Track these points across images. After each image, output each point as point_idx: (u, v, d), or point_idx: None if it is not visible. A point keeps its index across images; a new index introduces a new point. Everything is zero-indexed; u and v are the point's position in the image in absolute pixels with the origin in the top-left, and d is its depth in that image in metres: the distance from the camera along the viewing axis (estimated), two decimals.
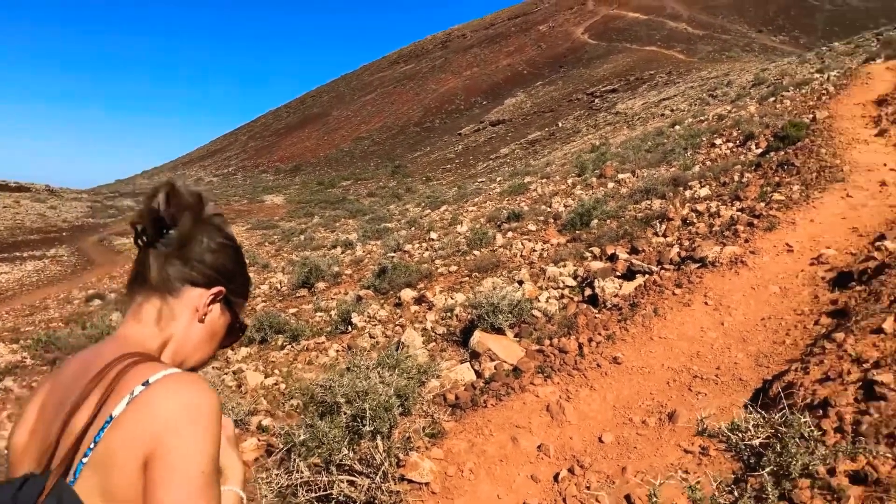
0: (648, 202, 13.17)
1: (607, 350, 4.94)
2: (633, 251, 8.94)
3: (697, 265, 6.86)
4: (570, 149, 42.96)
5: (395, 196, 45.73)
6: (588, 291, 7.59)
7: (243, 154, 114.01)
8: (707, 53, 69.90)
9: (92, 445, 1.18)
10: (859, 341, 3.68)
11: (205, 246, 1.43)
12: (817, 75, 28.06)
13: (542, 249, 11.86)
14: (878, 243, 5.99)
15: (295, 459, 3.90)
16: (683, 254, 7.51)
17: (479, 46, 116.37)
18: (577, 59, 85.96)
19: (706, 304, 5.82)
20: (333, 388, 4.17)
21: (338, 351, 8.54)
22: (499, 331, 7.02)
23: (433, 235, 18.15)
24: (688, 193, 12.74)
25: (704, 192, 12.27)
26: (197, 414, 1.20)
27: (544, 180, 26.79)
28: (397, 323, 8.88)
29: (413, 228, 22.09)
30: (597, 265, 8.40)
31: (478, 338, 4.96)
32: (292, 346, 9.18)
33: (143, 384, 1.21)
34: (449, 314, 8.40)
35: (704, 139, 21.14)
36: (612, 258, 8.90)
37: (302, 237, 28.97)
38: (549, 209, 18.08)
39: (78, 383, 1.26)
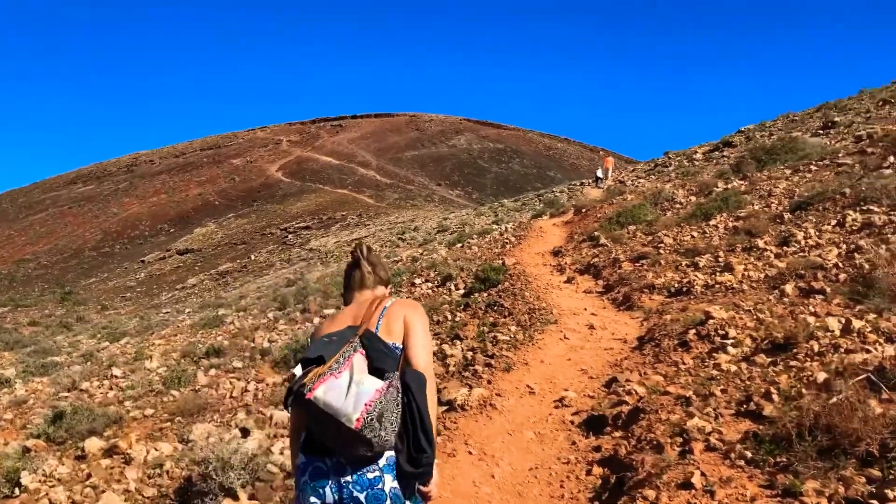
0: None
1: None
2: None
3: (445, 408, 6.50)
4: (265, 282, 41.91)
5: (64, 326, 40.37)
6: None
7: None
8: (394, 200, 74.62)
9: (379, 318, 2.67)
10: (673, 499, 3.47)
11: (381, 267, 3.04)
12: (495, 226, 30.89)
13: (257, 390, 10.77)
14: (625, 387, 6.14)
15: None
16: None
17: (169, 173, 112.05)
18: (271, 194, 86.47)
19: (470, 453, 5.40)
20: None
21: None
22: (230, 493, 5.89)
23: (116, 372, 15.82)
24: None
25: None
26: (419, 308, 2.84)
27: (241, 313, 25.38)
28: (87, 483, 7.16)
29: (90, 363, 19.21)
30: None
31: None
32: None
33: (392, 300, 2.78)
34: (158, 470, 6.97)
35: (405, 278, 21.75)
36: None
37: None
38: (252, 344, 16.92)
39: (361, 308, 2.75)
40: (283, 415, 7.84)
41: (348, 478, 2.34)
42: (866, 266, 7.65)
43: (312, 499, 2.39)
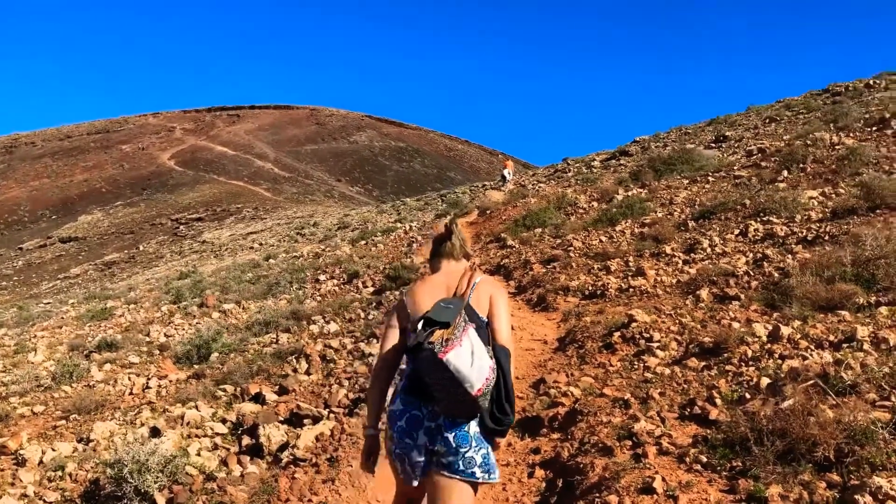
0: (273, 336, 12.36)
1: None
2: (283, 391, 8.01)
3: None
4: (155, 274, 40.06)
5: None
6: (247, 440, 6.41)
7: None
8: (292, 194, 73.10)
9: (470, 291, 3.00)
10: None
11: (466, 242, 3.42)
12: (398, 224, 30.70)
13: (160, 387, 10.17)
14: (555, 388, 6.09)
15: None
16: (353, 395, 6.87)
17: (52, 157, 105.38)
18: (163, 183, 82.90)
19: None
20: None
21: None
22: (146, 497, 5.45)
23: None
24: (314, 328, 12.28)
25: (333, 327, 11.92)
26: (501, 287, 3.41)
27: (132, 306, 24.08)
28: None
29: None
30: (250, 407, 7.26)
31: None
32: None
33: (480, 277, 3.11)
34: (59, 472, 6.40)
35: (308, 274, 21.22)
36: (260, 399, 7.84)
37: None
38: (148, 338, 16.05)
39: (452, 279, 3.12)
40: (195, 414, 7.40)
41: (442, 421, 2.80)
42: (776, 274, 7.97)
43: (407, 440, 2.85)
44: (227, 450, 6.37)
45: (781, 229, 10.10)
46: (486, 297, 3.03)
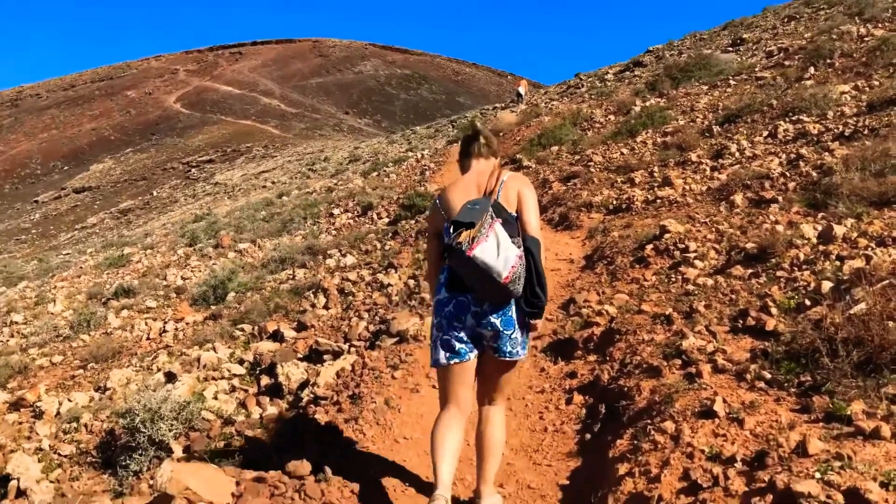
0: (290, 272, 12.02)
1: (354, 466, 3.63)
2: (301, 327, 7.68)
3: (396, 340, 5.92)
4: (170, 218, 39.93)
5: None
6: (266, 380, 6.10)
7: None
8: (301, 130, 72.17)
9: (499, 188, 3.20)
10: (697, 430, 3.02)
11: (494, 140, 3.57)
12: (410, 154, 30.05)
13: (177, 330, 9.91)
14: (586, 307, 5.69)
15: None
16: (373, 328, 6.52)
17: (58, 108, 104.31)
18: (171, 127, 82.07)
19: (434, 387, 4.85)
20: None
21: None
22: (161, 446, 5.18)
23: (17, 318, 14.52)
24: (331, 262, 11.92)
25: (350, 260, 11.55)
26: (529, 182, 3.37)
27: (148, 251, 23.94)
28: None
29: None
30: (268, 346, 6.93)
31: (169, 474, 3.24)
32: None
33: (507, 174, 3.31)
34: (74, 424, 6.15)
35: (322, 209, 20.82)
36: (278, 337, 7.52)
37: None
38: (165, 282, 15.83)
39: (481, 178, 3.31)
40: (211, 356, 7.10)
41: (486, 307, 3.07)
42: (814, 174, 7.43)
43: (455, 323, 3.14)
44: (246, 391, 6.07)
45: (814, 127, 9.49)
46: (514, 193, 3.24)
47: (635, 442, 3.25)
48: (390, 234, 12.83)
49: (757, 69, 16.11)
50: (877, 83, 10.85)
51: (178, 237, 25.30)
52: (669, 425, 3.14)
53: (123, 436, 5.40)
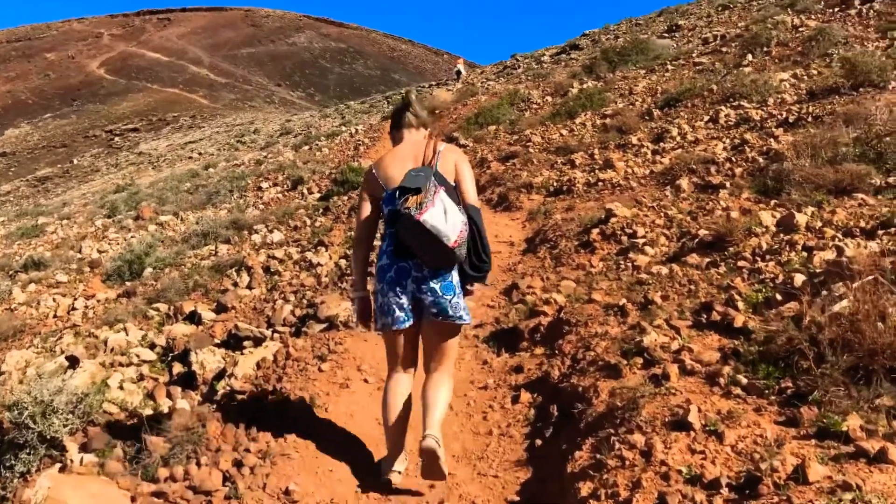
0: (212, 248, 11.26)
1: (272, 478, 3.07)
2: (221, 308, 7.03)
3: (325, 327, 5.37)
4: (91, 188, 38.09)
5: None
6: (179, 368, 5.47)
7: None
8: (230, 101, 69.90)
9: (437, 159, 3.19)
10: (671, 445, 2.58)
11: (421, 111, 3.52)
12: (343, 128, 29.21)
13: (87, 307, 9.09)
14: (531, 294, 5.26)
15: None
16: (300, 312, 5.94)
17: None
18: (93, 93, 78.21)
19: (366, 381, 4.32)
20: None
21: None
22: (53, 444, 4.52)
23: None
24: (257, 238, 11.21)
25: (277, 236, 10.87)
26: (463, 154, 3.45)
27: (65, 222, 22.59)
28: None
29: None
30: (183, 329, 6.28)
31: (45, 491, 2.61)
32: None
33: (442, 145, 3.30)
34: None
35: (250, 182, 19.93)
36: (196, 318, 6.86)
37: None
38: (80, 255, 14.78)
39: (417, 148, 3.29)
40: (119, 339, 6.40)
41: (426, 272, 3.10)
42: (760, 160, 7.19)
43: (397, 289, 3.15)
44: (156, 380, 5.42)
45: (756, 113, 9.32)
46: (451, 163, 3.27)
47: (598, 456, 2.80)
48: (321, 211, 12.18)
49: (694, 55, 16.00)
50: (815, 72, 10.78)
51: (98, 208, 23.96)
52: (639, 438, 2.71)
53: (11, 431, 4.70)
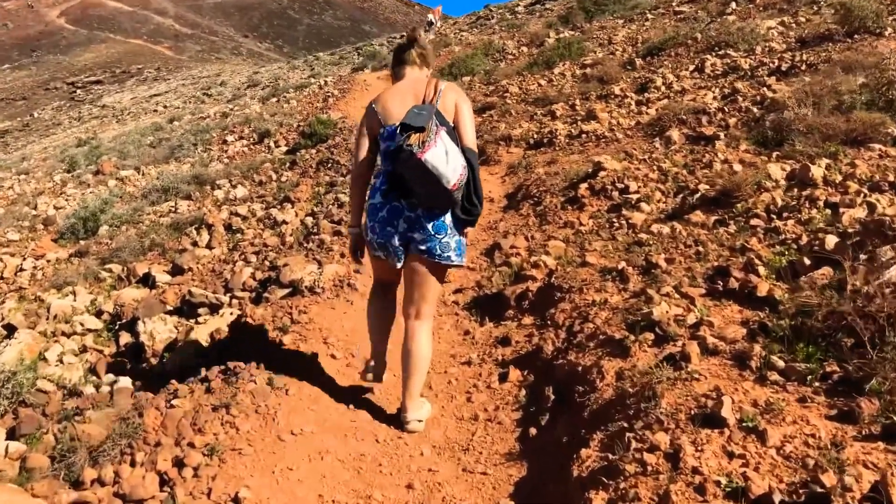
0: (171, 204, 10.57)
1: (219, 482, 2.55)
2: (177, 270, 6.43)
3: (288, 292, 4.82)
4: (52, 142, 36.63)
5: None
6: (127, 338, 4.92)
7: None
8: (196, 53, 67.63)
9: (438, 97, 3.07)
10: (702, 447, 2.11)
11: (425, 49, 3.40)
12: (312, 80, 28.20)
13: (36, 268, 8.42)
14: (514, 255, 4.75)
15: None
16: (261, 275, 5.37)
17: None
18: (54, 44, 75.12)
19: (333, 357, 3.78)
20: None
21: None
22: None
23: None
24: (219, 194, 10.52)
25: (241, 192, 10.20)
26: (464, 94, 3.26)
27: (22, 177, 21.53)
28: None
29: None
30: (133, 294, 5.68)
31: None
32: None
33: (443, 84, 3.19)
34: None
35: (215, 135, 19.05)
36: (149, 281, 6.26)
37: None
38: (35, 212, 13.95)
39: (418, 86, 3.18)
40: (63, 305, 5.78)
41: (420, 212, 3.08)
42: (754, 109, 6.69)
43: (388, 228, 3.14)
44: (100, 352, 4.84)
45: (745, 62, 8.81)
46: (451, 103, 3.16)
47: (610, 456, 2.31)
48: (288, 165, 11.50)
49: (675, 3, 15.39)
50: (803, 19, 10.28)
51: (58, 162, 22.86)
52: (662, 437, 2.22)
53: None
